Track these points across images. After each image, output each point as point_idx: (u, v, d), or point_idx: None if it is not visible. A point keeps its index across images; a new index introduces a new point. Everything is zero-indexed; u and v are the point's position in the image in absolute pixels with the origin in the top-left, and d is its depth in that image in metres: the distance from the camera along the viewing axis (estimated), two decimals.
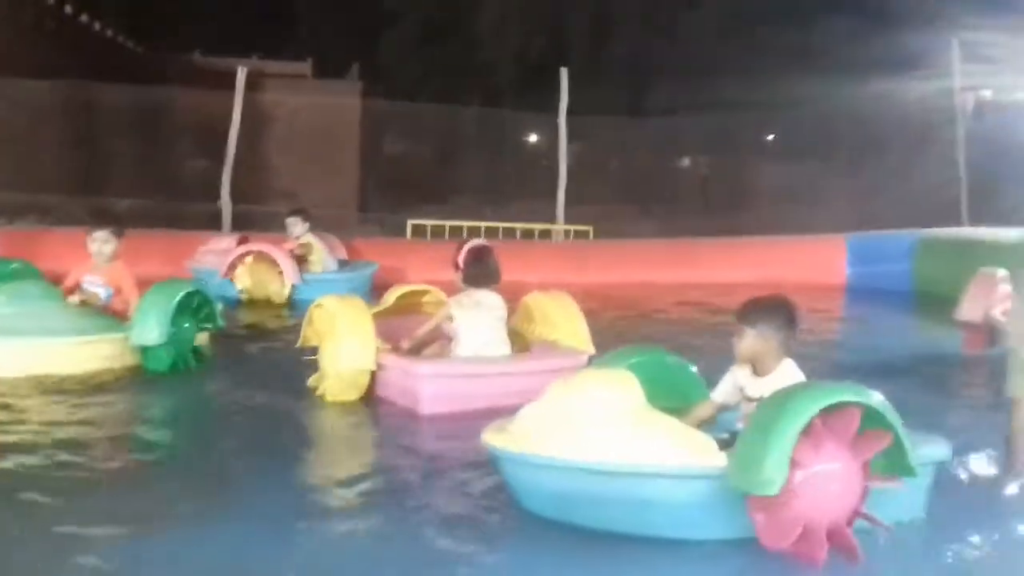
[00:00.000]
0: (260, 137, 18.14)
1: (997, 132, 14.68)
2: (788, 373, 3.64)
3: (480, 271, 5.37)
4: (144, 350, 5.63)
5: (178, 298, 5.70)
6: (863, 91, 17.03)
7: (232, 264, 9.06)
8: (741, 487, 3.13)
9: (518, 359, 5.24)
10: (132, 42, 24.96)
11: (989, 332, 6.52)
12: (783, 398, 3.25)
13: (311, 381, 5.31)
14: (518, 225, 13.72)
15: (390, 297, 5.92)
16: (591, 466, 3.28)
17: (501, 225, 13.95)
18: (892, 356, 7.11)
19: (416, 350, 5.36)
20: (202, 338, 6.11)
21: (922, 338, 8.12)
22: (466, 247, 5.53)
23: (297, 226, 9.43)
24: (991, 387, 5.31)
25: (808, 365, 5.33)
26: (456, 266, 5.47)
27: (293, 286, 8.91)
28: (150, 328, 5.56)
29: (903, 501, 3.36)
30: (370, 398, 5.20)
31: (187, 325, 5.82)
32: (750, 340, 3.66)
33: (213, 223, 12.16)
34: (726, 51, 25.35)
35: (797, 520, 3.11)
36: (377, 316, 5.48)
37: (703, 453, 3.28)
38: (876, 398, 3.24)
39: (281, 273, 8.91)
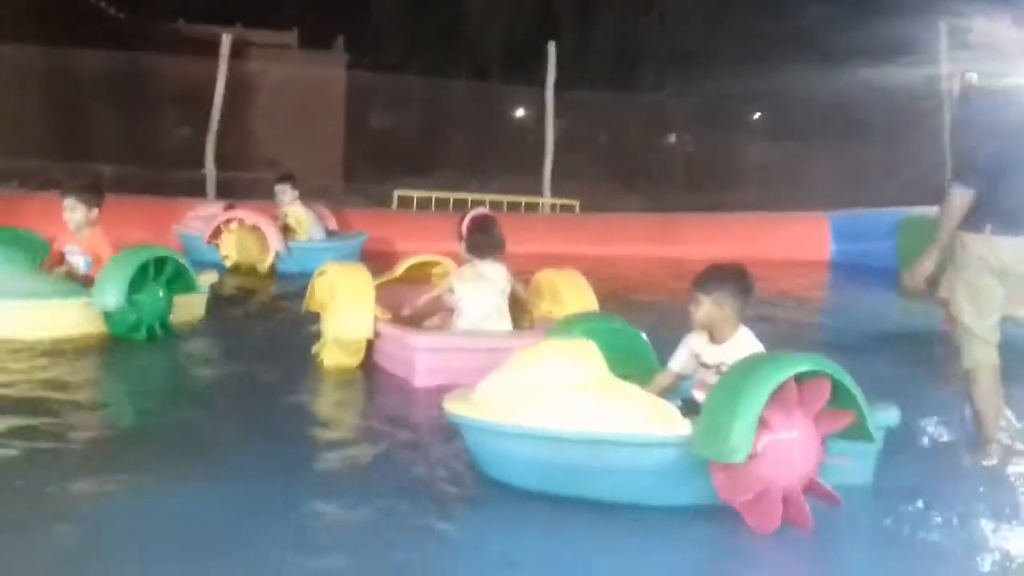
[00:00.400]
0: (245, 106, 18.00)
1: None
2: (745, 341, 3.69)
3: (483, 240, 5.31)
4: (107, 316, 5.51)
5: (139, 264, 5.52)
6: (851, 75, 17.04)
7: (216, 230, 9.02)
8: (706, 455, 3.17)
9: (515, 335, 5.16)
10: (115, 8, 24.64)
11: None
12: (748, 367, 3.29)
13: (314, 347, 5.32)
14: (504, 198, 13.69)
15: (400, 267, 5.88)
16: (558, 434, 3.31)
17: (487, 198, 13.90)
18: (871, 331, 7.19)
19: (417, 320, 5.37)
20: (195, 305, 6.10)
21: (903, 314, 8.18)
22: (469, 216, 5.54)
23: (286, 193, 9.35)
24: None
25: (787, 339, 5.41)
26: (460, 236, 5.47)
27: (277, 254, 8.86)
28: (109, 293, 5.42)
29: (852, 466, 3.41)
30: (368, 366, 5.22)
31: (158, 293, 5.66)
32: (706, 307, 3.71)
33: (197, 190, 12.09)
34: (715, 31, 25.30)
35: (758, 480, 3.16)
36: (385, 285, 5.53)
37: (667, 421, 3.32)
38: (837, 368, 3.30)
39: (264, 241, 8.86)
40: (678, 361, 3.88)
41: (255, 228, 8.90)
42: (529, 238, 10.06)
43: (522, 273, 5.65)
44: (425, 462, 3.83)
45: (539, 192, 13.50)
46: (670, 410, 3.37)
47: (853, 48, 18.28)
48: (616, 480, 3.37)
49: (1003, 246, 4.13)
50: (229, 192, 12.19)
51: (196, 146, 12.65)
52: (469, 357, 4.73)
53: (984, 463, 4.10)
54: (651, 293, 8.65)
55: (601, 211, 13.60)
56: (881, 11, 18.21)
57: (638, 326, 4.36)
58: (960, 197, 4.16)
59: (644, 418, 3.33)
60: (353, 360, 5.19)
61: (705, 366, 3.74)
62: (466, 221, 5.49)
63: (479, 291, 5.18)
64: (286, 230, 9.12)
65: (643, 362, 4.05)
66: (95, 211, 5.87)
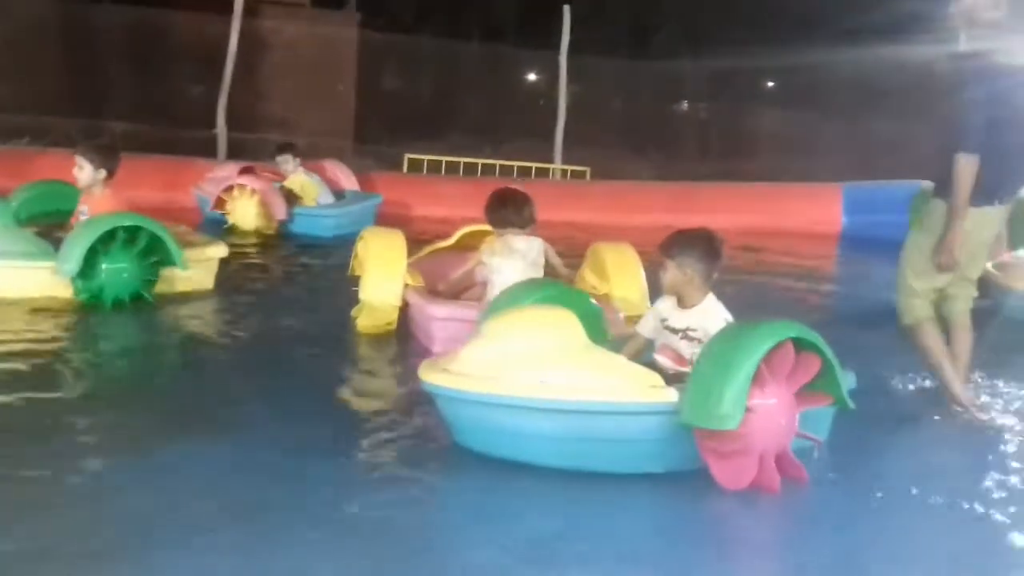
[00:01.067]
0: (257, 65, 17.90)
1: (998, 93, 14.57)
2: (713, 307, 3.74)
3: (508, 215, 5.24)
4: (72, 281, 5.43)
5: (100, 232, 5.39)
6: (869, 47, 16.87)
7: (220, 197, 8.98)
8: (697, 422, 3.19)
9: None
10: None
11: (981, 284, 6.55)
12: (736, 335, 3.35)
13: (353, 311, 5.39)
14: (515, 163, 13.66)
15: (455, 235, 5.87)
16: (549, 404, 3.29)
17: (498, 163, 13.90)
18: (874, 304, 7.16)
19: (454, 293, 5.43)
20: (203, 275, 6.05)
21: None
22: (493, 192, 5.47)
23: (288, 163, 9.33)
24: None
25: (788, 309, 5.49)
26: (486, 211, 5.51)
27: (281, 221, 8.83)
28: (66, 259, 5.35)
29: (807, 427, 3.44)
30: (402, 332, 5.35)
31: (122, 263, 5.49)
32: (672, 272, 3.75)
33: (209, 150, 12.07)
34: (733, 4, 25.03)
35: (753, 460, 3.23)
36: (439, 252, 5.70)
37: (653, 388, 3.35)
38: (817, 336, 3.39)
39: (268, 208, 8.80)
40: (647, 326, 3.91)
41: (255, 194, 8.82)
42: (539, 205, 10.02)
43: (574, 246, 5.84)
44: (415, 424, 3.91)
45: (550, 158, 13.45)
46: (654, 377, 3.40)
47: (872, 20, 18.10)
48: (602, 449, 3.37)
49: (979, 217, 4.35)
50: (240, 152, 12.16)
51: (208, 105, 12.60)
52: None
53: (957, 408, 4.38)
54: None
55: (612, 179, 13.55)
56: None
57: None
58: (967, 163, 4.22)
59: (631, 386, 3.34)
60: (385, 325, 5.31)
61: (672, 330, 3.77)
62: (490, 196, 5.42)
63: (509, 263, 5.13)
64: (293, 196, 9.09)
65: (595, 327, 3.92)
66: (102, 172, 5.75)
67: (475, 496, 3.31)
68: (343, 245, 8.10)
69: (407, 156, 13.84)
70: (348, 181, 10.01)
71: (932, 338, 4.49)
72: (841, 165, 13.99)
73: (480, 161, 14.08)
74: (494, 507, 3.20)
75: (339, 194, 9.71)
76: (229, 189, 8.93)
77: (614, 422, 3.32)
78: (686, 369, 3.52)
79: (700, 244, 3.76)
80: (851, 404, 3.51)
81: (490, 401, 3.32)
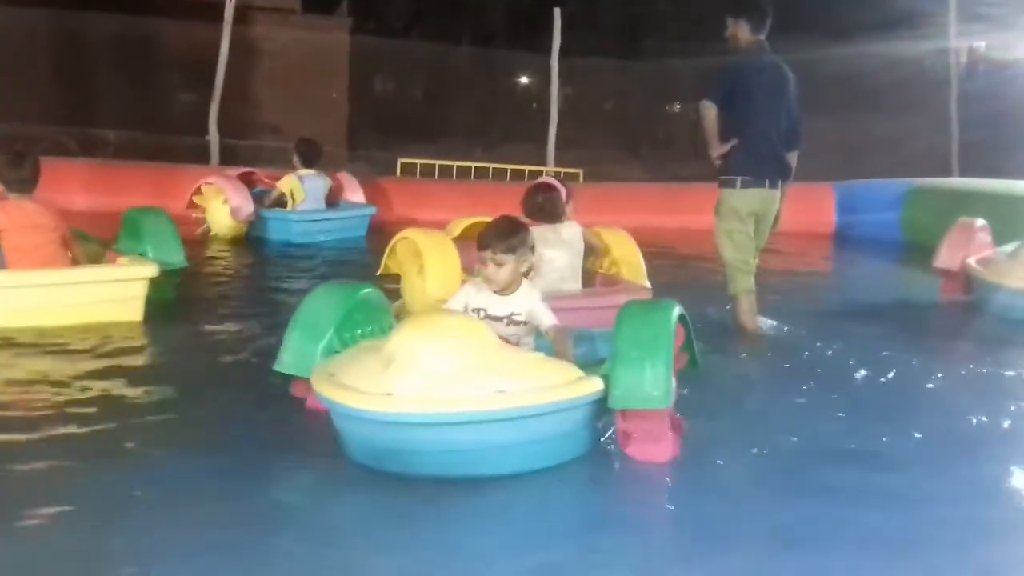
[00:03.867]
0: (248, 71, 17.92)
1: (991, 89, 14.69)
2: (530, 289, 3.84)
3: (543, 205, 5.42)
4: None
5: None
6: (858, 45, 16.92)
7: (190, 200, 8.95)
8: (635, 405, 3.28)
9: (589, 295, 5.44)
10: None
11: (966, 279, 6.72)
12: (648, 316, 3.49)
13: (392, 309, 5.28)
14: (508, 166, 13.68)
15: (455, 228, 5.94)
16: (513, 412, 3.11)
17: (491, 166, 13.92)
18: (865, 300, 7.22)
19: None
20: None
21: (901, 285, 8.21)
22: (531, 184, 5.70)
23: (294, 158, 9.35)
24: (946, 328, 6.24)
25: (782, 308, 5.50)
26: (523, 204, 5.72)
27: (251, 223, 8.81)
28: None
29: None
30: None
31: None
32: (511, 266, 3.79)
33: (201, 157, 12.06)
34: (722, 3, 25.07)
35: (671, 430, 3.42)
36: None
37: (583, 380, 3.31)
38: (682, 309, 3.67)
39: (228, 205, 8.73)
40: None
41: (222, 193, 8.77)
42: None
43: None
44: None
45: (543, 161, 13.47)
46: (574, 369, 3.37)
47: (860, 18, 18.17)
48: (533, 448, 3.28)
49: (752, 196, 5.53)
50: (233, 159, 12.17)
51: (201, 112, 12.60)
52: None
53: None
54: (659, 261, 8.68)
55: (605, 180, 13.57)
56: None
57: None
58: (707, 108, 5.61)
59: (562, 382, 3.27)
60: None
61: (494, 318, 3.78)
62: (528, 189, 5.59)
63: (559, 252, 5.33)
64: (278, 198, 9.10)
65: (384, 320, 3.93)
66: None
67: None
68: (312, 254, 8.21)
69: (400, 160, 13.85)
70: (353, 193, 9.94)
71: (746, 304, 5.65)
72: (830, 164, 14.02)
73: (473, 164, 14.10)
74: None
75: (334, 204, 9.64)
76: (198, 191, 8.92)
77: (558, 420, 3.28)
78: None
79: (526, 234, 3.86)
80: (701, 365, 3.94)
81: (454, 420, 3.08)
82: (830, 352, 5.28)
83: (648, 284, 5.59)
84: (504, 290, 3.80)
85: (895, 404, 4.43)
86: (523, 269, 3.85)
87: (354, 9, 26.07)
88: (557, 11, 13.23)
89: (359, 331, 3.75)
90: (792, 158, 5.73)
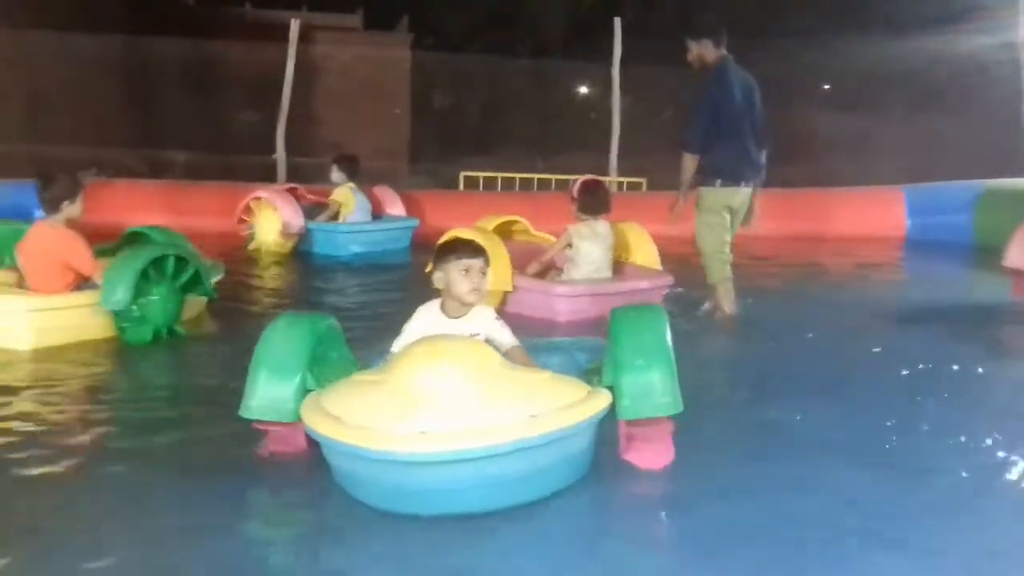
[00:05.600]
0: (312, 90, 18.20)
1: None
2: (484, 309, 3.69)
3: (592, 199, 6.18)
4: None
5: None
6: (921, 41, 16.61)
7: (240, 216, 9.10)
8: (647, 414, 3.25)
9: (622, 279, 6.24)
10: None
11: None
12: (644, 323, 3.42)
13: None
14: (570, 177, 13.62)
15: (487, 226, 6.61)
16: (538, 439, 2.90)
17: (553, 177, 13.93)
18: (935, 304, 7.06)
19: (541, 273, 6.28)
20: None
21: (972, 287, 8.02)
22: (579, 181, 6.37)
23: (333, 174, 9.46)
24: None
25: (855, 311, 5.38)
26: (572, 198, 6.29)
27: (300, 236, 8.93)
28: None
29: None
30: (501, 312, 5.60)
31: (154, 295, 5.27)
32: (486, 276, 3.66)
33: (268, 175, 12.25)
34: (779, 3, 24.82)
35: (670, 435, 3.41)
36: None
37: (595, 394, 3.19)
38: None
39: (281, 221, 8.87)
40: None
41: (274, 208, 8.92)
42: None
43: None
44: None
45: (605, 170, 13.42)
46: (581, 383, 3.25)
47: (924, 13, 17.83)
48: (553, 472, 3.12)
49: (730, 193, 6.12)
50: (299, 176, 12.34)
51: (267, 131, 12.80)
52: (595, 300, 5.84)
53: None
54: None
55: (668, 188, 13.46)
56: None
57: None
58: (688, 159, 6.14)
59: (578, 398, 3.12)
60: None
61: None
62: (577, 185, 6.31)
63: (593, 245, 6.07)
64: (325, 210, 9.22)
65: (342, 351, 3.72)
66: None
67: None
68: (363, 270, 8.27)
69: (463, 174, 13.92)
70: (393, 206, 10.04)
71: (724, 291, 6.20)
72: (899, 166, 13.78)
73: (536, 176, 14.13)
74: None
75: (378, 217, 9.74)
76: (248, 205, 9.08)
77: (585, 437, 3.18)
78: None
79: (482, 247, 3.74)
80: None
81: (501, 451, 2.86)
82: (898, 349, 5.17)
83: (661, 269, 6.46)
84: (455, 310, 3.63)
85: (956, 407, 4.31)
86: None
87: (414, 25, 26.40)
88: (617, 20, 13.19)
89: (327, 366, 3.45)
90: (763, 157, 6.31)
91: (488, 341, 3.52)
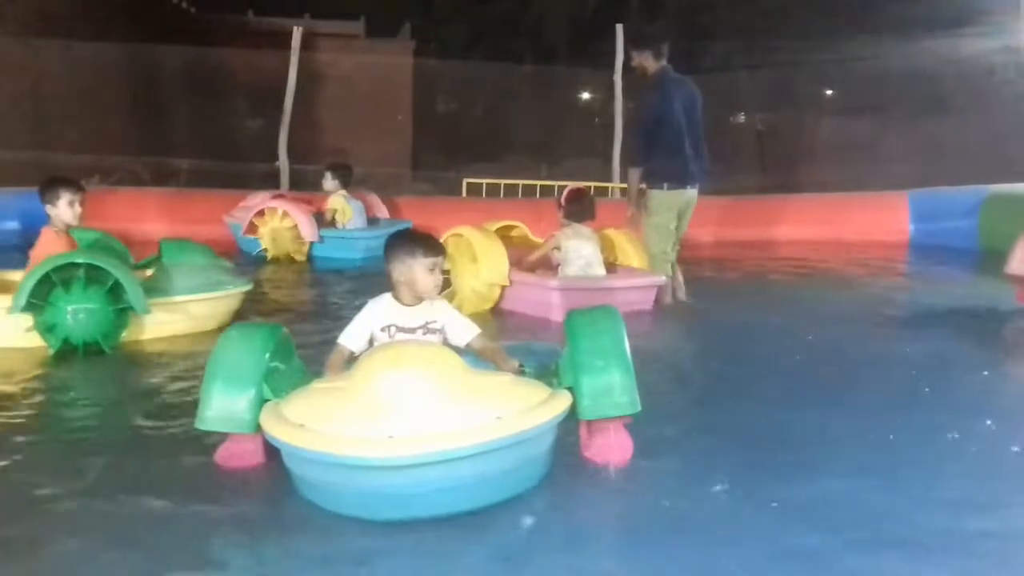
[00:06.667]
0: (314, 97, 18.21)
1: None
2: (437, 299, 3.73)
3: (579, 208, 6.49)
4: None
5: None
6: (925, 45, 16.61)
7: (252, 221, 9.20)
8: (608, 413, 3.31)
9: (616, 277, 6.50)
10: (186, 3, 25.10)
11: None
12: (602, 325, 3.45)
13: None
14: (573, 183, 13.64)
15: (490, 229, 6.92)
16: (505, 440, 2.92)
17: (556, 184, 13.91)
18: (937, 308, 7.04)
19: (530, 271, 6.50)
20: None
21: (975, 293, 8.00)
22: (567, 189, 6.71)
23: (327, 182, 9.54)
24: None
25: (858, 316, 5.37)
26: (559, 206, 6.58)
27: (311, 243, 9.02)
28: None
29: None
30: (496, 311, 6.34)
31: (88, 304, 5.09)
32: (439, 272, 3.67)
33: (271, 182, 12.27)
34: (783, 6, 24.87)
35: (627, 432, 3.46)
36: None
37: (556, 395, 3.22)
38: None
39: (298, 230, 9.00)
40: (360, 338, 3.67)
41: (287, 217, 9.03)
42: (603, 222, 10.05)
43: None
44: None
45: (609, 176, 13.43)
46: (542, 385, 3.28)
47: (929, 17, 17.84)
48: (516, 474, 3.13)
49: (677, 196, 6.61)
50: (301, 183, 12.36)
51: (270, 138, 12.82)
52: (592, 294, 6.03)
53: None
54: (740, 279, 8.63)
55: None
56: None
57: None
58: (633, 173, 6.74)
59: (540, 400, 3.14)
60: (487, 304, 6.33)
61: (406, 330, 3.63)
62: (565, 194, 6.62)
63: (581, 244, 6.34)
64: (324, 217, 9.29)
65: (293, 362, 3.66)
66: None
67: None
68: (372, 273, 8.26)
69: (466, 181, 13.93)
70: (380, 210, 10.18)
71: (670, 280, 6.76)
72: (903, 171, 13.77)
73: (538, 183, 14.13)
74: None
75: (373, 220, 9.87)
76: (261, 214, 9.14)
77: (547, 439, 3.20)
78: None
79: (442, 244, 3.79)
80: None
81: (468, 453, 2.87)
82: (897, 354, 5.15)
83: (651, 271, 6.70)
84: (411, 299, 3.66)
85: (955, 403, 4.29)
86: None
87: (416, 32, 26.44)
88: (620, 27, 13.19)
89: (280, 377, 3.41)
90: (706, 161, 6.82)
91: (445, 331, 3.67)
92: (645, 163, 6.61)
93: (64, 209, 5.45)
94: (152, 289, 5.47)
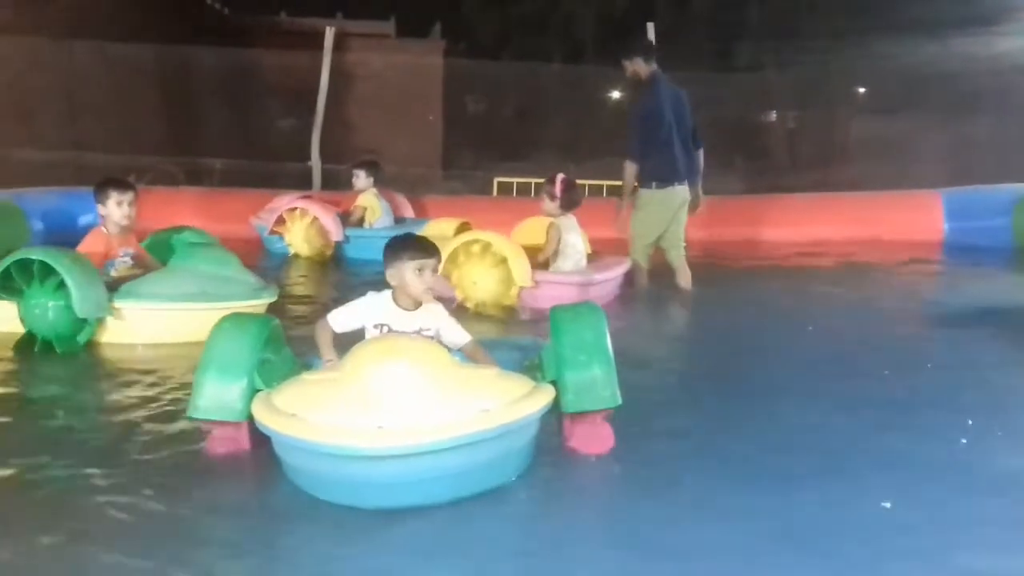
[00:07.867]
0: (346, 97, 18.31)
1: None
2: (434, 305, 3.76)
3: (572, 196, 6.65)
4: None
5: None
6: (957, 43, 16.44)
7: (278, 220, 9.27)
8: (591, 407, 3.43)
9: (608, 267, 6.79)
10: (219, 3, 25.28)
11: None
12: (584, 320, 3.57)
13: (457, 294, 6.19)
14: (604, 182, 13.66)
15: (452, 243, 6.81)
16: (491, 432, 3.01)
17: (588, 183, 13.90)
18: (972, 308, 6.99)
19: (545, 268, 6.58)
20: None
21: (1012, 292, 7.92)
22: (560, 179, 6.65)
23: (360, 179, 9.59)
24: None
25: (886, 315, 5.88)
26: (551, 195, 6.60)
27: (337, 242, 9.07)
28: None
29: None
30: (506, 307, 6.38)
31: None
32: (437, 276, 3.76)
33: (304, 182, 12.35)
34: (813, 4, 24.69)
35: (608, 423, 3.55)
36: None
37: (540, 389, 3.30)
38: None
39: (323, 229, 9.06)
40: (347, 325, 3.76)
41: (312, 218, 9.10)
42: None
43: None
44: None
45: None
46: (526, 379, 3.35)
47: (959, 14, 17.65)
48: (500, 466, 3.22)
49: (666, 193, 7.04)
50: (333, 183, 12.43)
51: (302, 138, 12.90)
52: (598, 287, 6.46)
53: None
54: (771, 277, 8.62)
55: (703, 193, 13.41)
56: None
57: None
58: (629, 167, 7.04)
59: (525, 393, 3.21)
60: (507, 302, 6.37)
61: (399, 334, 3.65)
62: (558, 183, 6.60)
63: (575, 238, 6.57)
64: (351, 215, 9.34)
65: (283, 352, 3.76)
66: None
67: None
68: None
69: (496, 180, 13.96)
70: (407, 209, 10.22)
71: (641, 276, 7.27)
72: (937, 170, 13.65)
73: None
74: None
75: (400, 220, 9.90)
76: (287, 212, 9.22)
77: (530, 432, 3.28)
78: None
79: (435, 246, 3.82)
80: None
81: (456, 444, 2.95)
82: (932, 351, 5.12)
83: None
84: (409, 304, 3.71)
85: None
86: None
87: (447, 32, 26.50)
88: (651, 25, 13.14)
89: (271, 367, 3.50)
90: (698, 157, 7.31)
91: (439, 337, 3.72)
92: (640, 161, 6.95)
93: (112, 208, 5.55)
94: (131, 293, 5.21)
